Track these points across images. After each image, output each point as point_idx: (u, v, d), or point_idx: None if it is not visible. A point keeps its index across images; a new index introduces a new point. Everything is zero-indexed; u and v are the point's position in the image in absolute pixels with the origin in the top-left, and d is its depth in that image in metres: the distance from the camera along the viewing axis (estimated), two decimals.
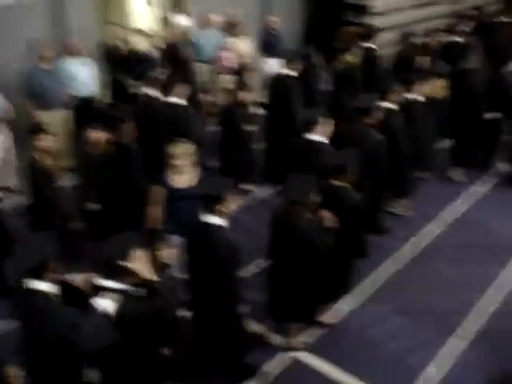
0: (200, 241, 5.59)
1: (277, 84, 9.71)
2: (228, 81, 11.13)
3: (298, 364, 6.47)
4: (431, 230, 8.90)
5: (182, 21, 12.57)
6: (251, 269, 7.54)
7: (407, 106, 8.62)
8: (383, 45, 13.47)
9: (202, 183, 6.26)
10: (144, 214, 6.97)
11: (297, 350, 6.57)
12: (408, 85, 8.74)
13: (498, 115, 10.05)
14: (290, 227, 5.97)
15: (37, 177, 7.23)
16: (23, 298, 4.49)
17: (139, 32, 12.59)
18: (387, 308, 7.26)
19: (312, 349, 6.65)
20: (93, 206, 7.59)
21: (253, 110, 10.32)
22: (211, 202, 5.50)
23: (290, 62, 9.61)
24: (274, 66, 12.32)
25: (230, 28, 12.53)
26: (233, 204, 5.69)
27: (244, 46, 12.35)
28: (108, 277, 4.55)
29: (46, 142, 7.28)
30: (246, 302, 5.82)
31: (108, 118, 7.98)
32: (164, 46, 11.90)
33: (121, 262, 4.52)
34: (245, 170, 9.53)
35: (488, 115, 9.99)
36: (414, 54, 11.42)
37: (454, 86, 9.58)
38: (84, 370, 4.83)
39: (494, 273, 7.94)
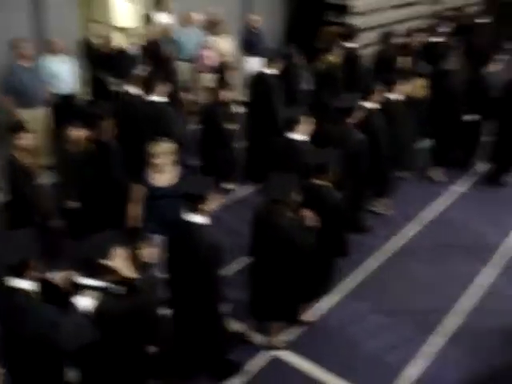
0: (182, 239, 5.58)
1: (258, 83, 9.71)
2: (209, 79, 11.12)
3: (277, 362, 6.47)
4: (411, 230, 8.94)
5: (163, 18, 12.53)
6: (233, 267, 7.54)
7: (388, 106, 8.64)
8: (364, 45, 13.55)
9: (184, 182, 6.24)
10: (124, 213, 6.94)
11: (278, 348, 6.57)
12: (389, 84, 8.77)
13: (476, 117, 10.12)
14: (271, 226, 5.96)
15: (16, 175, 7.18)
16: (3, 296, 4.45)
17: (121, 29, 12.51)
18: (367, 306, 7.29)
19: (292, 347, 6.66)
20: (72, 204, 7.55)
21: (234, 108, 10.32)
22: (193, 201, 5.48)
23: (271, 61, 9.60)
24: (255, 64, 12.33)
25: (212, 26, 12.51)
26: (214, 203, 5.68)
27: (225, 45, 12.34)
28: (88, 275, 4.52)
29: (25, 140, 7.24)
30: (227, 301, 5.82)
31: (88, 115, 7.93)
32: (145, 44, 11.85)
33: (101, 260, 4.50)
34: (226, 169, 9.52)
35: (467, 117, 10.06)
36: (395, 53, 11.47)
37: (434, 86, 9.64)
38: (65, 369, 4.81)
39: (474, 271, 7.99)
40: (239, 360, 6.34)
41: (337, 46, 10.77)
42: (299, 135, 7.50)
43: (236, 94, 11.49)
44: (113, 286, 4.51)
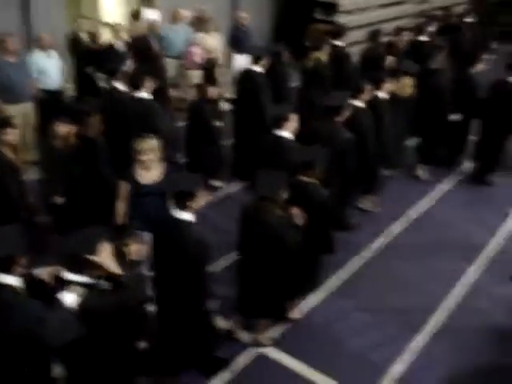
0: (170, 236, 5.58)
1: (245, 80, 9.70)
2: (197, 76, 11.11)
3: (263, 359, 6.48)
4: (397, 228, 8.98)
5: (150, 15, 12.51)
6: (220, 264, 7.56)
7: (375, 104, 8.67)
8: (352, 43, 13.59)
9: (172, 179, 6.23)
10: (111, 209, 6.92)
11: (264, 345, 6.58)
12: (377, 83, 8.79)
13: (458, 116, 10.17)
14: (259, 223, 5.97)
15: (2, 170, 7.14)
16: None
17: (109, 26, 12.48)
18: (352, 304, 7.31)
19: (277, 344, 6.67)
20: (58, 200, 7.54)
21: (222, 105, 10.33)
22: (182, 198, 5.49)
23: (258, 59, 9.61)
24: (242, 62, 12.33)
25: (200, 23, 12.50)
26: (202, 200, 5.69)
27: (213, 42, 12.33)
28: (74, 270, 4.52)
29: (12, 136, 7.21)
30: (214, 298, 5.83)
31: (75, 111, 7.91)
32: (133, 40, 11.82)
33: (87, 255, 4.50)
34: (213, 166, 9.52)
35: (452, 117, 10.12)
36: (382, 52, 11.50)
37: (421, 85, 9.67)
38: (51, 365, 4.81)
39: (459, 270, 8.04)
40: (226, 356, 6.36)
41: (325, 44, 10.78)
42: (287, 133, 7.51)
43: (224, 91, 11.50)
44: (98, 281, 4.51)
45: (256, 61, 9.61)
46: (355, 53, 12.40)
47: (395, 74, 9.49)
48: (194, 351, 6.01)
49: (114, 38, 11.43)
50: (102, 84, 10.36)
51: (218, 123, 9.43)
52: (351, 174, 7.84)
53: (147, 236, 6.26)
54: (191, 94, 10.68)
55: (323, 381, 6.23)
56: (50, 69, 10.34)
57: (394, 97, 9.14)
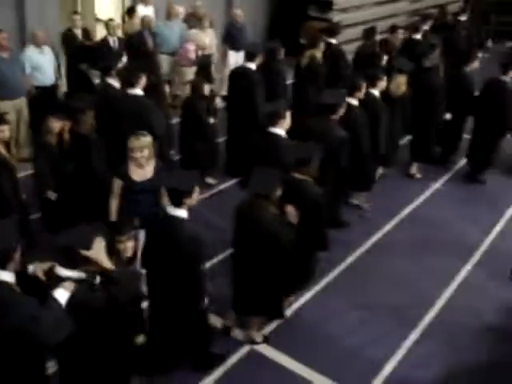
0: (164, 233, 5.57)
1: (240, 77, 9.68)
2: (191, 73, 11.09)
3: (255, 356, 6.47)
4: (391, 226, 8.99)
5: (145, 11, 12.49)
6: (214, 261, 7.55)
7: (370, 102, 8.67)
8: (346, 41, 13.60)
9: (170, 176, 6.22)
10: (104, 206, 6.90)
11: (256, 343, 6.58)
12: (371, 81, 8.79)
13: (449, 116, 10.19)
14: (253, 220, 5.97)
15: None
16: None
17: (103, 22, 12.44)
18: (345, 301, 7.31)
19: (270, 341, 6.65)
20: (51, 195, 7.52)
21: (216, 102, 10.31)
22: (179, 195, 5.48)
23: (252, 56, 9.59)
24: (237, 58, 12.33)
25: (194, 20, 12.49)
26: (196, 197, 5.69)
27: (208, 39, 12.32)
28: (67, 266, 4.51)
29: (5, 132, 7.19)
30: (208, 295, 5.82)
31: (69, 107, 7.90)
32: (128, 37, 11.81)
33: (81, 251, 4.49)
34: (207, 163, 9.51)
35: (446, 116, 10.14)
36: (376, 50, 11.49)
37: (415, 83, 9.68)
38: (45, 362, 4.81)
39: (453, 268, 8.04)
40: (222, 352, 6.37)
41: (320, 42, 10.78)
42: (281, 130, 7.50)
43: (218, 88, 11.50)
44: (91, 276, 4.50)
45: (250, 58, 9.60)
46: (350, 51, 12.40)
47: (390, 71, 9.49)
48: (188, 348, 6.02)
49: (109, 34, 11.40)
50: (96, 81, 10.34)
51: (211, 120, 9.42)
52: (345, 171, 7.84)
53: (140, 233, 6.26)
54: (185, 91, 10.67)
55: (317, 378, 6.22)
56: (44, 65, 10.32)
57: (388, 95, 9.14)
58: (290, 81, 11.20)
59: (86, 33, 11.58)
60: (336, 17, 14.94)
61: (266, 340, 6.64)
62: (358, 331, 6.87)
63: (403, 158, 10.40)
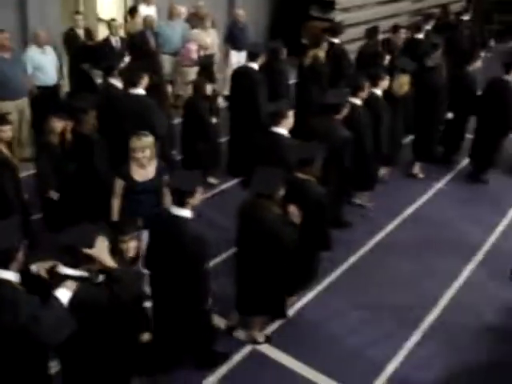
0: (168, 233, 5.56)
1: (241, 77, 9.68)
2: (193, 73, 11.09)
3: (257, 356, 6.46)
4: (393, 226, 8.98)
5: (147, 11, 12.49)
6: (217, 261, 7.55)
7: (372, 102, 8.66)
8: (348, 40, 13.59)
9: (173, 176, 6.22)
10: (106, 206, 6.90)
11: (259, 342, 6.57)
12: (373, 80, 8.78)
13: (451, 115, 10.17)
14: (255, 220, 5.96)
15: None
16: None
17: (105, 22, 12.45)
18: (347, 301, 7.30)
19: (272, 341, 6.64)
20: (53, 195, 7.52)
21: (218, 102, 10.31)
22: (182, 195, 5.48)
23: (255, 56, 9.59)
24: (239, 58, 12.33)
25: (197, 20, 12.49)
26: (200, 197, 5.69)
27: (210, 38, 12.32)
28: (70, 264, 4.51)
29: (7, 132, 7.19)
30: (212, 294, 5.82)
31: (70, 107, 7.90)
32: (130, 36, 11.81)
33: (83, 249, 4.50)
34: (209, 163, 9.50)
35: (448, 114, 10.13)
36: (379, 49, 11.49)
37: (417, 83, 9.67)
38: (48, 362, 4.82)
39: (456, 268, 8.03)
40: (226, 350, 6.37)
41: (323, 42, 10.78)
42: (283, 129, 7.49)
43: (220, 88, 11.49)
44: (93, 275, 4.51)
45: (252, 58, 9.60)
46: (352, 50, 12.40)
47: (392, 71, 9.48)
48: (191, 347, 6.03)
49: (111, 34, 11.40)
50: (98, 80, 10.34)
51: (214, 120, 9.41)
52: (348, 171, 7.84)
53: (143, 233, 6.26)
54: (187, 91, 10.67)
55: (319, 378, 6.21)
56: (46, 65, 10.32)
57: (390, 94, 9.13)
58: (292, 80, 11.19)
59: (88, 33, 11.58)
60: (338, 16, 14.94)
61: (268, 340, 6.63)
62: (360, 331, 6.86)
63: (406, 157, 10.38)
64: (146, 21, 11.84)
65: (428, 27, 13.17)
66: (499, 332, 7.04)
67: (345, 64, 11.34)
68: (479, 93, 10.19)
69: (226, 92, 11.15)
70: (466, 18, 15.37)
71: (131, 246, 5.65)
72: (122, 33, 11.80)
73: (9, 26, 10.25)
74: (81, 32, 11.38)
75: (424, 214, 9.35)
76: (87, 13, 13.72)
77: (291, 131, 7.59)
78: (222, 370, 6.22)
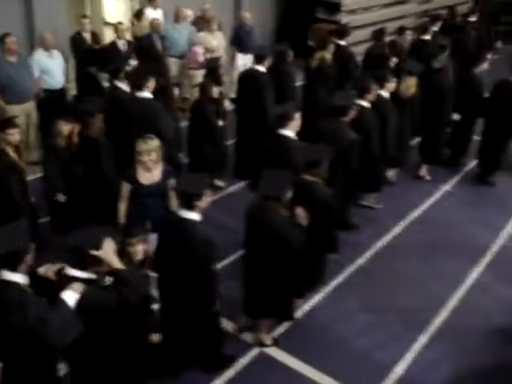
0: (177, 236, 5.57)
1: (248, 80, 9.68)
2: (199, 76, 11.10)
3: (265, 358, 6.46)
4: (400, 228, 8.96)
5: (153, 14, 12.51)
6: (225, 263, 7.55)
7: (379, 104, 8.65)
8: (354, 42, 13.58)
9: (181, 179, 6.23)
10: (113, 209, 6.91)
11: (266, 345, 6.57)
12: (380, 82, 8.78)
13: (458, 117, 10.15)
14: (263, 222, 5.96)
15: (4, 171, 7.15)
16: None
17: (112, 25, 12.48)
18: (354, 304, 7.29)
19: (279, 343, 6.64)
20: (60, 197, 7.54)
21: (225, 105, 10.31)
22: (191, 198, 5.49)
23: (261, 58, 9.59)
24: (245, 61, 12.33)
25: (203, 23, 12.50)
26: (208, 200, 5.70)
27: (216, 41, 12.33)
28: (77, 266, 4.53)
29: (15, 136, 7.22)
30: (220, 297, 5.82)
31: (77, 110, 7.92)
32: (137, 40, 11.83)
33: (91, 251, 4.51)
34: (216, 166, 9.50)
35: (455, 116, 10.11)
36: (385, 51, 11.48)
37: (424, 84, 9.65)
38: (56, 364, 4.83)
39: (463, 270, 8.00)
40: (233, 353, 6.37)
41: (329, 44, 10.78)
42: (290, 132, 7.49)
43: (227, 91, 11.49)
44: (100, 276, 4.52)
45: (259, 60, 9.60)
46: (358, 52, 12.39)
47: (399, 73, 9.47)
48: (199, 350, 6.03)
49: (117, 37, 11.43)
50: (105, 84, 10.37)
51: (220, 123, 9.42)
52: (355, 173, 7.83)
53: (151, 236, 6.27)
54: (194, 94, 10.68)
55: (326, 381, 6.21)
56: (53, 68, 10.35)
57: (397, 96, 9.12)
58: (299, 83, 11.19)
59: (95, 36, 11.62)
60: (344, 18, 14.93)
61: (276, 342, 6.63)
62: (367, 334, 6.85)
63: (412, 159, 10.36)
64: (153, 24, 11.87)
65: (435, 29, 13.15)
66: (506, 334, 7.01)
67: (351, 66, 11.36)
68: (486, 95, 10.17)
69: (233, 95, 11.15)
70: (472, 19, 15.34)
71: (139, 249, 5.67)
72: (128, 36, 11.82)
73: (16, 30, 10.28)
74: (87, 36, 11.41)
75: (431, 216, 9.33)
76: (94, 16, 13.76)
77: (298, 133, 7.60)
78: (230, 372, 6.23)
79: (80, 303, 4.36)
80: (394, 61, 10.53)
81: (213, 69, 9.85)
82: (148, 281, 5.86)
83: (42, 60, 10.26)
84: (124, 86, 8.87)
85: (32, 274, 4.61)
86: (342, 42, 11.44)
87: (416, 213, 9.37)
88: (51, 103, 10.10)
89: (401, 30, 12.45)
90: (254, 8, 14.30)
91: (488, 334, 6.94)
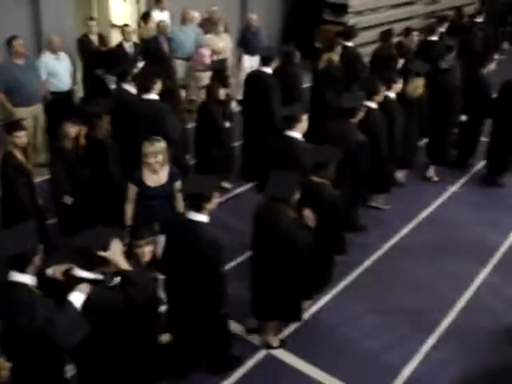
0: (185, 238, 5.57)
1: (255, 81, 9.68)
2: (206, 78, 11.10)
3: (272, 360, 6.45)
4: (408, 229, 8.94)
5: (160, 16, 12.52)
6: (232, 264, 7.55)
7: (386, 104, 8.64)
8: (361, 44, 13.57)
9: (190, 181, 6.23)
10: (120, 211, 6.92)
11: (274, 347, 6.56)
12: (388, 83, 8.76)
13: (465, 118, 10.12)
14: (270, 224, 5.96)
15: (12, 173, 7.16)
16: (5, 290, 4.48)
17: (118, 27, 12.50)
18: (363, 305, 7.28)
19: (286, 345, 6.62)
20: (67, 199, 7.55)
21: (232, 107, 10.31)
22: (199, 200, 5.49)
23: (268, 60, 9.59)
24: (252, 63, 12.33)
25: (210, 24, 12.51)
26: (216, 202, 5.70)
27: (223, 43, 12.33)
28: (85, 267, 4.54)
29: (22, 138, 7.23)
30: (228, 299, 5.82)
31: (84, 113, 7.93)
32: (143, 42, 11.85)
33: (98, 252, 4.52)
34: (222, 168, 9.50)
35: (462, 117, 10.08)
36: (392, 52, 11.47)
37: (431, 85, 9.63)
38: (65, 365, 4.85)
39: (471, 271, 7.98)
40: (239, 354, 6.37)
41: (337, 45, 10.77)
42: (298, 133, 7.48)
43: (233, 93, 11.49)
44: (107, 277, 4.53)
45: (266, 62, 9.60)
46: (365, 53, 12.37)
47: (405, 74, 9.45)
48: (207, 351, 6.03)
49: (124, 40, 11.44)
50: (112, 86, 10.38)
51: (227, 124, 9.41)
52: (363, 175, 7.82)
53: (160, 238, 6.27)
54: (200, 96, 10.68)
55: (334, 383, 6.19)
56: (60, 71, 10.38)
57: (404, 96, 9.10)
58: (306, 84, 11.18)
59: (102, 38, 11.64)
60: (351, 20, 14.92)
61: (283, 344, 6.62)
62: (375, 335, 6.83)
63: (420, 160, 10.34)
64: (160, 26, 11.88)
65: (442, 29, 13.15)
66: None
67: (358, 67, 11.35)
68: (494, 95, 10.13)
69: (240, 96, 11.15)
70: (479, 20, 15.32)
71: (146, 251, 5.66)
72: (135, 38, 11.84)
73: (23, 32, 10.31)
74: (94, 38, 11.44)
75: (439, 217, 9.31)
76: (101, 19, 13.79)
77: (306, 135, 7.59)
78: (236, 374, 6.21)
79: (87, 304, 4.37)
80: (401, 62, 10.52)
81: (219, 71, 9.85)
82: (156, 283, 5.85)
83: (50, 62, 10.28)
84: (131, 88, 8.87)
85: (40, 275, 4.62)
86: (349, 44, 11.43)
87: (424, 214, 9.34)
88: (58, 105, 10.12)
89: (407, 31, 12.44)
90: (260, 10, 14.30)
91: (496, 335, 6.92)
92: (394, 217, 9.16)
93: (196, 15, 12.60)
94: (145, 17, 12.56)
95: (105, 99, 9.07)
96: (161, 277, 6.03)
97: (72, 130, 7.57)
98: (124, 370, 4.85)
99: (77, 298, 4.36)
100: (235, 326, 6.68)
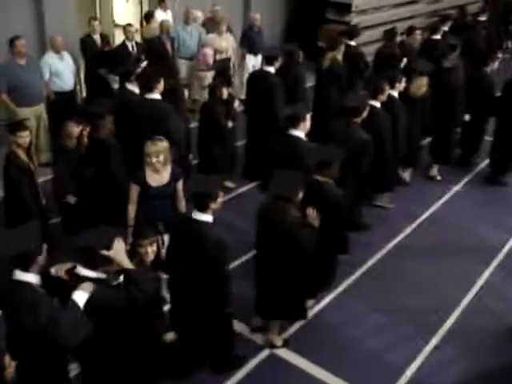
0: (189, 238, 5.57)
1: (258, 81, 9.67)
2: (209, 77, 11.11)
3: (275, 359, 6.45)
4: (411, 228, 8.93)
5: (163, 16, 12.53)
6: (236, 264, 7.55)
7: (389, 103, 8.62)
8: (364, 43, 13.56)
9: (195, 181, 6.23)
10: (122, 210, 6.92)
11: (277, 346, 6.56)
12: (392, 82, 8.75)
13: (468, 117, 10.11)
14: (274, 223, 5.95)
15: (15, 173, 7.17)
16: (9, 289, 4.49)
17: (122, 27, 12.50)
18: (365, 305, 7.28)
19: (290, 344, 6.63)
20: (70, 199, 7.56)
21: (235, 106, 10.30)
22: (204, 200, 5.49)
23: (271, 59, 9.58)
24: (255, 62, 12.34)
25: (213, 24, 12.51)
26: (221, 201, 5.70)
27: (226, 43, 12.33)
28: (88, 266, 4.54)
29: (25, 138, 7.24)
30: (232, 298, 5.81)
31: (87, 112, 7.93)
32: (146, 42, 11.85)
33: (101, 250, 4.52)
34: (225, 167, 9.50)
35: (466, 116, 10.07)
36: (396, 51, 11.45)
37: (435, 84, 9.62)
38: (69, 365, 4.86)
39: (474, 271, 7.98)
40: (243, 354, 6.37)
41: (340, 44, 10.76)
42: (301, 132, 7.47)
43: (236, 92, 11.49)
44: (111, 276, 4.53)
45: (269, 61, 9.59)
46: (368, 52, 12.36)
47: (409, 73, 9.43)
48: (211, 351, 6.03)
49: (127, 39, 11.45)
50: (115, 86, 10.39)
51: (230, 124, 9.41)
52: (366, 174, 7.81)
53: (164, 237, 6.27)
54: (203, 95, 10.68)
55: (337, 382, 6.19)
56: (63, 71, 10.37)
57: (407, 95, 9.09)
58: (309, 83, 11.18)
59: (105, 38, 11.63)
60: (354, 19, 14.91)
61: (286, 343, 6.62)
62: (378, 335, 6.83)
63: (423, 159, 10.33)
64: (162, 26, 11.88)
65: (445, 28, 13.11)
66: None
67: (361, 66, 11.34)
68: (497, 94, 10.11)
69: (243, 96, 11.14)
70: (482, 18, 15.29)
71: (150, 251, 5.65)
72: (138, 38, 11.84)
73: (26, 32, 10.31)
74: (97, 38, 11.43)
75: (442, 216, 9.30)
76: (103, 19, 13.78)
77: (309, 134, 7.58)
78: (240, 374, 6.21)
79: (90, 302, 4.37)
80: (404, 61, 10.50)
81: (222, 70, 9.85)
82: (159, 282, 5.85)
83: (53, 62, 10.27)
84: (134, 88, 8.87)
85: (44, 274, 4.63)
86: (352, 43, 11.42)
87: (427, 213, 9.34)
88: (61, 105, 10.12)
89: (410, 30, 12.43)
90: (263, 9, 14.29)
91: (499, 335, 6.92)
92: (398, 216, 9.15)
93: (199, 15, 12.60)
94: (147, 16, 12.56)
95: (108, 99, 9.09)
96: (164, 276, 6.03)
97: (75, 129, 7.59)
98: (128, 369, 4.85)
99: (80, 296, 4.36)
100: (239, 326, 6.68)
